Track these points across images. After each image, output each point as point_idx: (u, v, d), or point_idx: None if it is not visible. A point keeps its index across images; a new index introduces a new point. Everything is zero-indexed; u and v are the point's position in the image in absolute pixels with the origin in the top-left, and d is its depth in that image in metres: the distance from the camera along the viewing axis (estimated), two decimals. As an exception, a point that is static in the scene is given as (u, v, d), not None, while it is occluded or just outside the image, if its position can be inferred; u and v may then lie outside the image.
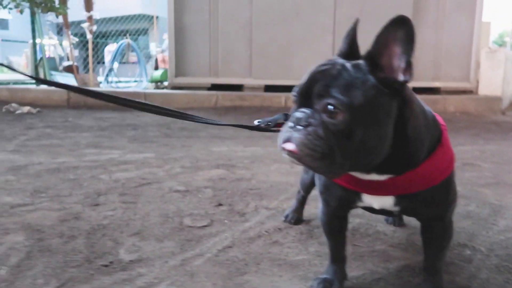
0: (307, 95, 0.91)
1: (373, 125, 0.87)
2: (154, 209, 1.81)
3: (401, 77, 0.89)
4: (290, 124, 0.91)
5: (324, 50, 6.82)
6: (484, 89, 6.52)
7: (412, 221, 1.71)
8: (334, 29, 6.89)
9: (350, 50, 0.98)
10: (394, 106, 0.90)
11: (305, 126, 0.88)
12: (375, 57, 0.89)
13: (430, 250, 1.15)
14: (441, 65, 6.94)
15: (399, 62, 0.88)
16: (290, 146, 0.89)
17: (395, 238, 1.58)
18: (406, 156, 0.95)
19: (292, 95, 0.96)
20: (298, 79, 0.95)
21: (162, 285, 1.21)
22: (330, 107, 0.86)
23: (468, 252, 1.47)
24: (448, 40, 6.89)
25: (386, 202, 1.03)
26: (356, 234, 1.59)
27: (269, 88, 6.88)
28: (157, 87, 8.15)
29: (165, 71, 8.19)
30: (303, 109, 0.90)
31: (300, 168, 1.73)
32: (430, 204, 1.04)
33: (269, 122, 1.30)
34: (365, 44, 1.03)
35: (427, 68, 6.80)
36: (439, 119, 1.07)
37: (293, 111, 0.94)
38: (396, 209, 1.05)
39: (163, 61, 9.20)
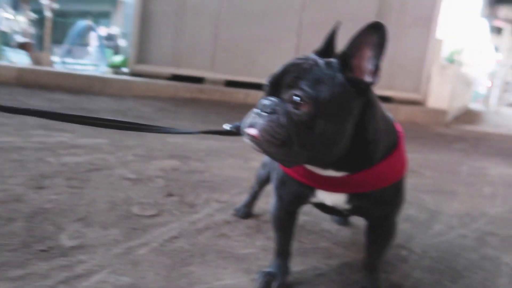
0: (278, 85, 0.94)
1: (334, 120, 0.91)
2: (101, 196, 1.77)
3: (368, 79, 0.93)
4: (256, 110, 0.95)
5: (288, 51, 6.90)
6: (432, 102, 6.87)
7: (356, 221, 1.78)
8: (300, 32, 6.99)
9: (327, 49, 1.03)
10: (358, 106, 0.95)
11: (270, 113, 0.91)
12: (347, 57, 0.93)
13: (373, 248, 1.21)
14: (395, 76, 7.24)
15: (368, 65, 0.93)
16: (253, 131, 0.92)
17: (339, 236, 1.64)
18: (363, 155, 1.00)
19: (264, 84, 0.99)
20: (260, 77, 0.98)
21: (102, 272, 1.18)
22: (296, 98, 0.89)
23: (404, 253, 1.55)
24: (404, 52, 7.19)
25: (339, 199, 1.08)
26: (301, 231, 1.63)
27: (230, 84, 6.88)
28: (115, 73, 7.90)
29: (126, 58, 7.94)
30: (271, 98, 0.94)
31: (257, 163, 1.76)
32: (380, 204, 1.09)
33: (239, 126, 1.30)
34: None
35: (383, 77, 6.83)
36: (398, 126, 1.13)
37: (262, 98, 0.96)
38: (348, 207, 1.09)
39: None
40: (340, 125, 0.92)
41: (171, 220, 1.61)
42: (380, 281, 1.24)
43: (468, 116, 9.63)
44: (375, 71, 0.93)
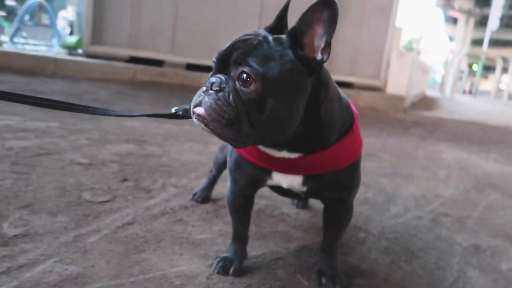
0: (226, 62, 0.89)
1: (284, 99, 0.87)
2: (50, 181, 1.67)
3: (319, 56, 0.89)
4: (203, 88, 0.90)
5: (249, 35, 6.84)
6: (391, 88, 7.03)
7: (315, 204, 1.78)
8: (261, 15, 6.92)
9: (278, 25, 0.99)
10: (308, 85, 0.91)
11: (217, 91, 0.87)
12: (298, 34, 0.89)
13: (330, 231, 1.20)
14: (356, 62, 7.36)
15: (319, 42, 0.89)
16: (200, 110, 0.87)
17: (298, 220, 1.63)
18: (317, 136, 0.97)
19: (212, 61, 0.94)
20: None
21: (48, 262, 1.11)
22: (244, 75, 0.85)
23: (362, 235, 1.57)
24: (365, 39, 7.30)
25: (295, 181, 1.05)
26: (261, 215, 1.61)
27: (190, 67, 6.73)
28: (70, 54, 7.52)
29: (81, 38, 7.57)
30: (218, 75, 0.89)
31: (217, 147, 1.71)
32: (336, 186, 1.07)
33: (187, 108, 1.24)
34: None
35: (344, 63, 7.17)
36: (353, 107, 1.10)
37: (210, 76, 0.91)
38: (303, 189, 1.07)
39: None
40: (291, 104, 0.89)
41: (125, 206, 1.54)
42: (337, 264, 1.24)
43: (425, 102, 9.97)
44: (326, 49, 0.89)
